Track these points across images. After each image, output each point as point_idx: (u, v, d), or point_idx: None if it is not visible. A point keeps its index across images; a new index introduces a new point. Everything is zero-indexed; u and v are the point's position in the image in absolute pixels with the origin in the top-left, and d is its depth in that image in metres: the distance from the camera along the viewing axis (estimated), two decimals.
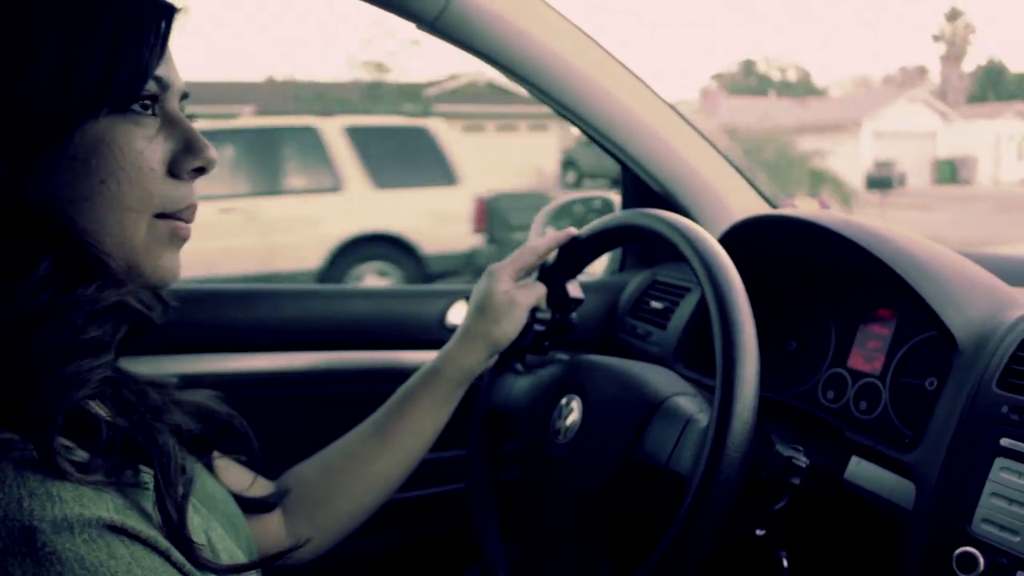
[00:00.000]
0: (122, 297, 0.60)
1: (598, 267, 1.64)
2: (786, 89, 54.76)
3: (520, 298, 1.00)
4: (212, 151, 0.65)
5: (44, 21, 0.55)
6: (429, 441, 1.02)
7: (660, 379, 0.91)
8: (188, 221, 0.66)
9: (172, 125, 0.64)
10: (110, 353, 0.59)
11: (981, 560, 0.73)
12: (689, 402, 0.86)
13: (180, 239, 0.65)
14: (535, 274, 1.07)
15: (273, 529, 0.94)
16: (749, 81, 61.37)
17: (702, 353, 1.25)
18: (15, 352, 0.53)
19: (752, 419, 0.73)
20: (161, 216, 0.64)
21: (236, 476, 0.90)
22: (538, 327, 1.04)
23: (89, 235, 0.59)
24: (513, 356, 1.11)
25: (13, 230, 0.55)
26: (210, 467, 0.83)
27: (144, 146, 0.61)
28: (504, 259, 1.05)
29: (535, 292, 1.02)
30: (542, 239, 1.04)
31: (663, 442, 0.83)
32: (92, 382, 0.56)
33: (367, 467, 0.99)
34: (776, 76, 64.00)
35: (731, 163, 1.42)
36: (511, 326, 1.00)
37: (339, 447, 1.01)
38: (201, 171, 0.66)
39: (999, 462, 0.77)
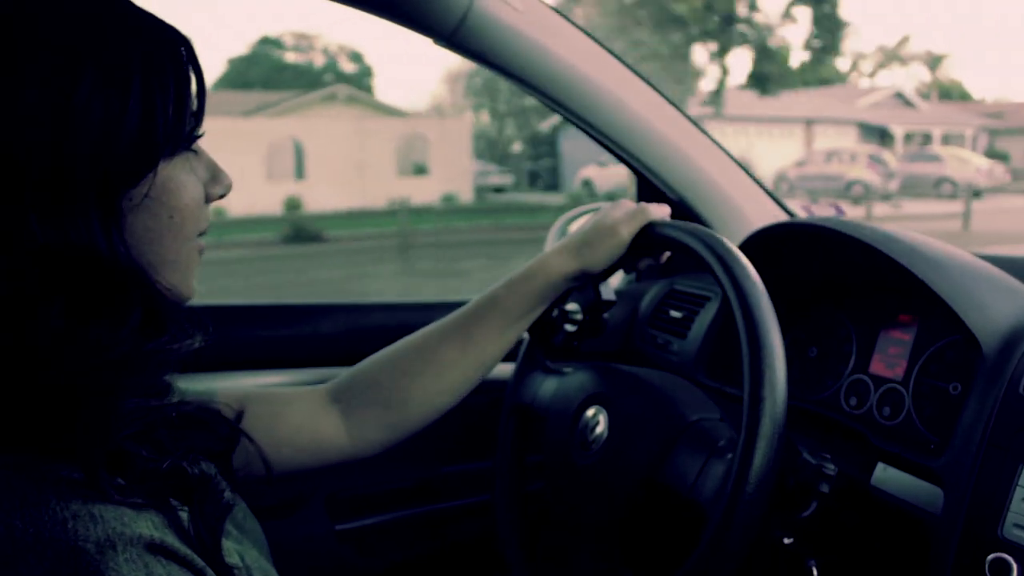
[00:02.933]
0: (192, 346, 0.63)
1: (614, 277, 1.63)
2: None
3: (623, 229, 0.98)
4: (229, 178, 0.70)
5: (128, 76, 0.58)
6: (505, 350, 1.01)
7: (687, 399, 0.91)
8: None
9: (197, 155, 0.67)
10: (171, 395, 0.61)
11: (1014, 565, 0.73)
12: (715, 427, 0.87)
13: (199, 257, 0.69)
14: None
15: (330, 433, 0.95)
16: None
17: (723, 362, 1.25)
18: (92, 392, 0.55)
19: (775, 455, 0.73)
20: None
21: (297, 408, 0.94)
22: (568, 327, 1.05)
23: (154, 270, 0.62)
24: (542, 353, 1.12)
25: (99, 274, 0.57)
26: (233, 479, 0.84)
27: (195, 178, 0.66)
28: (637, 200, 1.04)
29: (636, 223, 0.99)
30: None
31: (687, 468, 0.83)
32: (150, 419, 0.59)
33: (445, 371, 0.98)
34: None
35: (747, 172, 1.42)
36: (604, 253, 0.98)
37: (414, 347, 1.00)
38: (223, 196, 0.70)
39: None
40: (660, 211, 1.00)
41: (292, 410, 0.94)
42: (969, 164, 24.25)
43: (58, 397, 0.54)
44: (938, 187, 23.54)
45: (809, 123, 30.77)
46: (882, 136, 31.38)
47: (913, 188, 23.77)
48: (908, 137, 32.12)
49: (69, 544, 0.49)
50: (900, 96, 35.33)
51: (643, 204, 1.00)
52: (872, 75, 49.03)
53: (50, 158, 0.54)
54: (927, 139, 32.31)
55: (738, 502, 0.72)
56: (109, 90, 0.56)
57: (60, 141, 0.55)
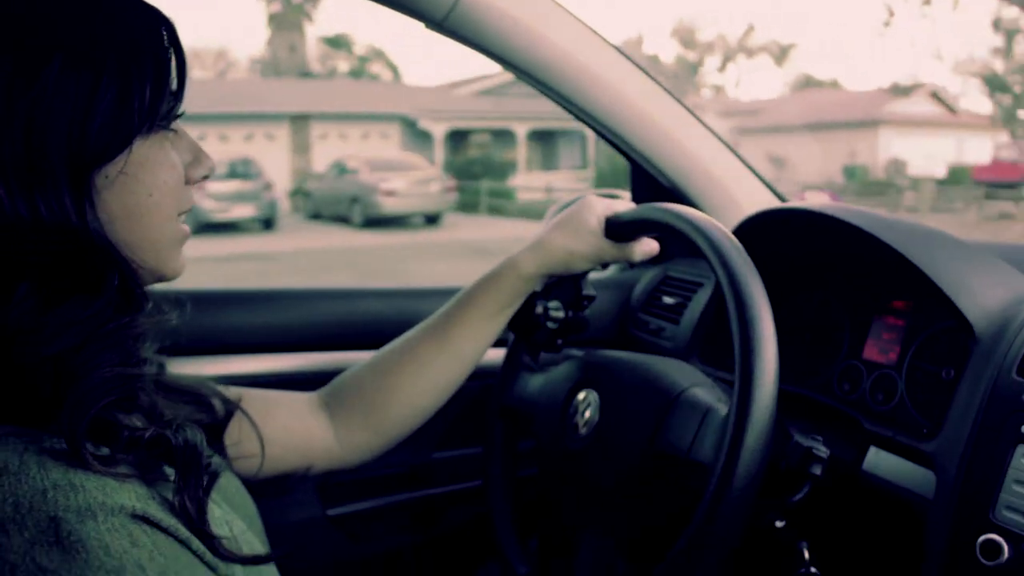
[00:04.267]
0: (166, 323, 0.65)
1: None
2: None
3: (602, 237, 0.99)
4: (212, 160, 0.70)
5: (103, 53, 0.58)
6: (484, 348, 1.02)
7: (676, 371, 0.91)
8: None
9: (179, 136, 0.68)
10: (149, 368, 0.62)
11: (1005, 547, 0.73)
12: (707, 392, 0.87)
13: (186, 237, 0.69)
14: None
15: (320, 436, 0.97)
16: None
17: (716, 347, 1.25)
18: (65, 366, 0.55)
19: (773, 405, 0.73)
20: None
21: (288, 409, 0.96)
22: (551, 324, 1.04)
23: (132, 248, 0.62)
24: (527, 352, 1.11)
25: (73, 251, 0.57)
26: (223, 454, 0.85)
27: (175, 158, 0.66)
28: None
29: (593, 233, 0.99)
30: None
31: (683, 432, 0.83)
32: (127, 388, 0.59)
33: (424, 370, 0.99)
34: None
35: (740, 158, 1.42)
36: (560, 254, 0.99)
37: (395, 349, 1.01)
38: (206, 178, 0.70)
39: (1020, 449, 0.77)
40: (620, 206, 1.01)
41: (283, 410, 0.95)
42: (413, 175, 17.68)
43: (36, 370, 0.55)
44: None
45: (299, 119, 23.50)
46: (424, 137, 24.85)
47: (326, 209, 18.51)
48: (453, 136, 25.43)
49: (48, 514, 0.49)
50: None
51: (602, 211, 1.00)
52: (721, 69, 46.11)
53: (21, 132, 0.55)
54: (506, 137, 26.09)
55: (727, 488, 0.72)
56: (82, 67, 0.57)
57: (31, 116, 0.55)
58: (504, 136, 26.61)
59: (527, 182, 23.54)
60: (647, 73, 1.33)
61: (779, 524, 0.86)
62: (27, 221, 0.55)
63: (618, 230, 0.98)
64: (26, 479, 0.51)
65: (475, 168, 23.67)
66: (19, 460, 0.52)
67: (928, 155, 23.81)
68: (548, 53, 1.23)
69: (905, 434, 0.90)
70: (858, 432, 0.96)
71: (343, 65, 44.00)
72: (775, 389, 0.74)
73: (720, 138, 1.41)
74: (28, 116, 0.55)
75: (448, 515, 1.44)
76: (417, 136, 25.04)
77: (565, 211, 1.02)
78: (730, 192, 1.41)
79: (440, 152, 24.68)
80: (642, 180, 1.49)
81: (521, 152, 26.43)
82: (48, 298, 0.55)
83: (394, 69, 44.39)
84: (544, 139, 27.47)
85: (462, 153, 25.97)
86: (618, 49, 1.30)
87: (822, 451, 0.78)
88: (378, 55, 44.27)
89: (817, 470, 0.78)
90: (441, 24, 1.16)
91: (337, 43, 43.84)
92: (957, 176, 22.57)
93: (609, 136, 1.37)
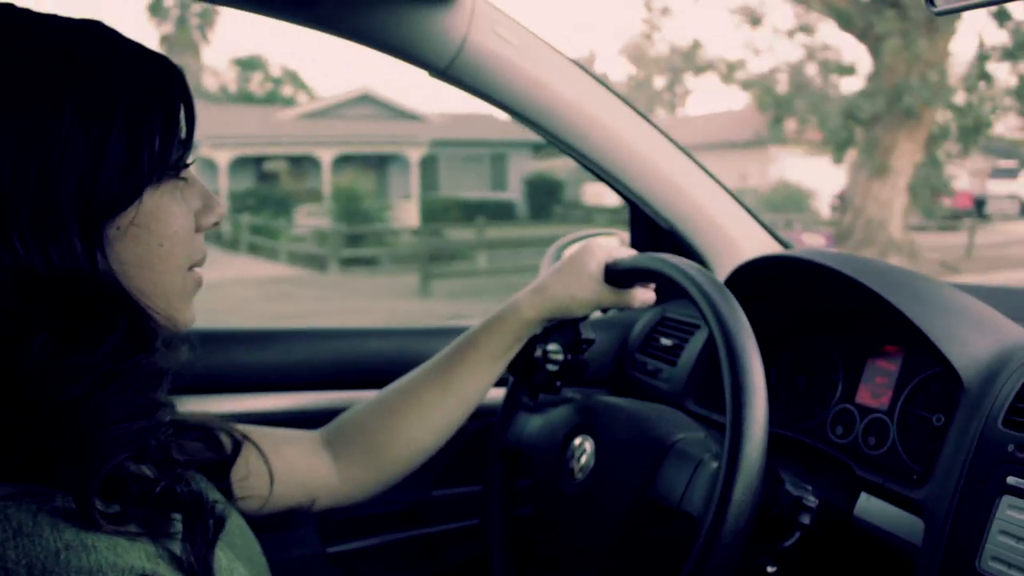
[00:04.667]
0: (176, 362, 0.65)
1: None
2: None
3: (602, 283, 1.01)
4: (223, 207, 0.70)
5: (113, 105, 0.59)
6: (486, 389, 1.03)
7: (670, 420, 0.93)
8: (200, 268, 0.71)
9: (188, 183, 0.68)
10: (163, 414, 0.62)
11: None
12: (699, 443, 0.88)
13: (198, 286, 0.70)
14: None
15: (323, 473, 0.98)
16: None
17: (712, 390, 1.26)
18: (78, 413, 0.55)
19: (761, 463, 0.74)
20: (189, 268, 0.69)
21: (292, 446, 0.96)
22: (551, 367, 1.06)
23: (146, 296, 0.63)
24: (526, 394, 1.13)
25: (86, 299, 0.58)
26: (229, 492, 0.85)
27: (185, 207, 0.67)
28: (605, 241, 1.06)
29: (594, 280, 1.01)
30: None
31: (675, 483, 0.84)
32: (140, 442, 0.59)
33: (427, 410, 1.00)
34: None
35: (740, 202, 1.44)
36: (564, 299, 1.00)
37: (398, 389, 1.03)
38: (216, 224, 0.70)
39: (1006, 500, 0.78)
40: (620, 252, 1.03)
41: (287, 448, 0.96)
42: None
43: (46, 424, 0.55)
44: None
45: None
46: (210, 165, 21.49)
47: None
48: (245, 164, 22.29)
49: None
50: (367, 99, 23.82)
51: (602, 258, 1.02)
52: (670, 88, 43.90)
53: (34, 184, 0.55)
54: (308, 164, 22.97)
55: (715, 542, 0.73)
56: (92, 119, 0.57)
57: (43, 169, 0.56)
58: (306, 163, 23.50)
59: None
60: (647, 118, 1.36)
61: (770, 570, 0.87)
62: (41, 273, 0.56)
63: (617, 277, 1.00)
64: (39, 540, 0.51)
65: (249, 200, 20.99)
66: (32, 521, 0.52)
67: (822, 175, 21.54)
68: (549, 99, 1.26)
69: (896, 481, 0.92)
70: (849, 478, 0.97)
71: (257, 88, 42.27)
72: (764, 443, 0.75)
73: (719, 181, 1.43)
74: (41, 168, 0.55)
75: (446, 553, 1.45)
76: (205, 164, 21.54)
77: (566, 256, 1.04)
78: (729, 235, 1.43)
79: (225, 181, 21.61)
80: (641, 222, 1.51)
81: (327, 181, 22.70)
82: (61, 345, 0.56)
83: (308, 91, 42.62)
84: (372, 165, 23.45)
85: (264, 183, 23.08)
86: (617, 94, 1.33)
87: (811, 501, 0.80)
88: (291, 77, 42.58)
89: (806, 520, 0.79)
90: (444, 72, 1.19)
91: (251, 65, 42.37)
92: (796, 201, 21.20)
93: (608, 179, 1.39)
